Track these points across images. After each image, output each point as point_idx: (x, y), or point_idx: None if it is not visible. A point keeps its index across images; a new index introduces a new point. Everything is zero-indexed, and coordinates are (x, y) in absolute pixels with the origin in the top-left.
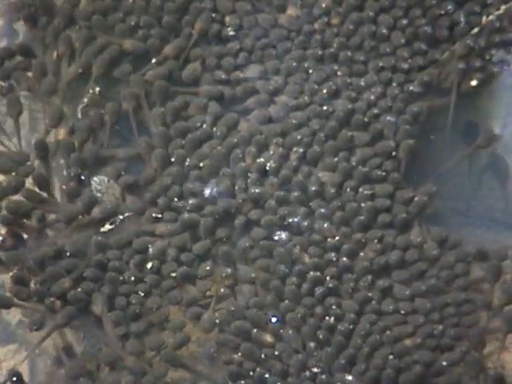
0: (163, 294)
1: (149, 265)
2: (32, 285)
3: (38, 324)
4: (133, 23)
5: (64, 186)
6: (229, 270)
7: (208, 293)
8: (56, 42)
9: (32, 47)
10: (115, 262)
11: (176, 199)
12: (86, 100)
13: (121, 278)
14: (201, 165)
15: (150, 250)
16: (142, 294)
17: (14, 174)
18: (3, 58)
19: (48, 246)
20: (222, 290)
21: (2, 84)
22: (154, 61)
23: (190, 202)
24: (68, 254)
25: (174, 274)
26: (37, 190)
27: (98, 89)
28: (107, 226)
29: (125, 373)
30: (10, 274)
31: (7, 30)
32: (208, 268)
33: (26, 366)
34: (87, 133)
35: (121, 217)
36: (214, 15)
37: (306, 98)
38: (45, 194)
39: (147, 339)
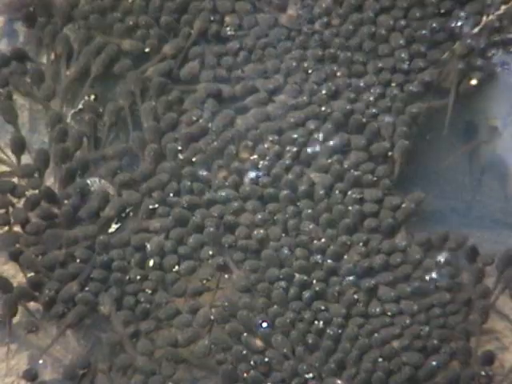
0: (169, 288)
1: (151, 262)
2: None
3: (33, 326)
4: (131, 23)
5: (66, 201)
6: (220, 260)
7: (207, 283)
8: (54, 42)
9: (27, 51)
10: (119, 262)
11: (171, 194)
12: (80, 106)
13: (127, 277)
14: (193, 159)
15: (148, 246)
16: (150, 292)
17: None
18: None
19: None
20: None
21: (1, 91)
22: (147, 50)
23: (184, 197)
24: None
25: (176, 268)
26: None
27: (93, 96)
28: (114, 226)
29: (134, 372)
30: (28, 275)
31: (7, 30)
32: (211, 252)
33: (25, 367)
34: (80, 140)
35: (123, 214)
36: (213, 16)
37: (305, 97)
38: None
39: (158, 337)
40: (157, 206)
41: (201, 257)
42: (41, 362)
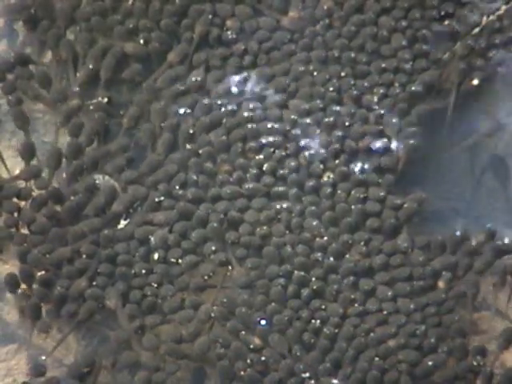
0: (173, 281)
1: (155, 256)
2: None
3: (47, 327)
4: (131, 26)
5: (72, 197)
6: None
7: (210, 279)
8: (57, 46)
9: (28, 51)
10: (124, 256)
11: (177, 187)
12: (91, 107)
13: (132, 271)
14: (200, 152)
15: (152, 239)
16: (155, 285)
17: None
18: (3, 71)
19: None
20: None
21: (10, 98)
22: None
23: (189, 190)
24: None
25: (179, 261)
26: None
27: (106, 99)
28: (122, 222)
29: (139, 369)
30: (38, 274)
31: (7, 31)
32: (213, 248)
33: (26, 366)
34: (92, 137)
35: (131, 210)
36: (214, 19)
37: (318, 101)
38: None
39: (163, 332)
40: (162, 198)
41: (203, 252)
42: (43, 358)
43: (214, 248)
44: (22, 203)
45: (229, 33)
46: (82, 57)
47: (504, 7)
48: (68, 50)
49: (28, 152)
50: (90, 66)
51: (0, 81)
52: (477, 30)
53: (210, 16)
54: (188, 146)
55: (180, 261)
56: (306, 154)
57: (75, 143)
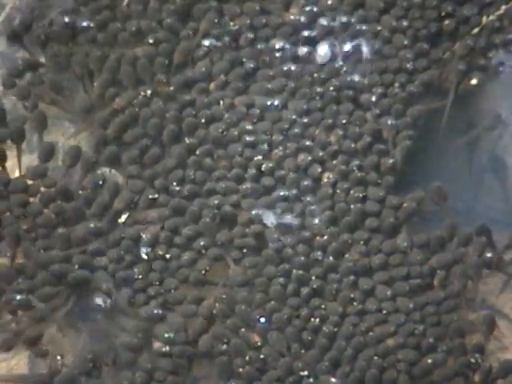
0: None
1: (144, 251)
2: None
3: (8, 344)
4: (134, 29)
5: (80, 191)
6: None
7: (209, 275)
8: (69, 63)
9: (38, 59)
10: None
11: (174, 183)
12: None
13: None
14: (197, 152)
15: (144, 236)
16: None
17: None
18: (13, 78)
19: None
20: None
21: (26, 104)
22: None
23: (186, 187)
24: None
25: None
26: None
27: (149, 91)
28: (123, 216)
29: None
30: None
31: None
32: (202, 243)
33: (26, 366)
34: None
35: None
36: (218, 18)
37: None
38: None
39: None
40: (156, 196)
41: (198, 247)
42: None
43: (202, 243)
44: (31, 199)
45: (232, 23)
46: (97, 70)
47: (504, 7)
48: (83, 66)
49: (47, 153)
50: (106, 77)
51: (11, 87)
52: (476, 29)
53: (215, 14)
54: (187, 141)
55: (168, 256)
56: (305, 154)
57: (104, 135)
